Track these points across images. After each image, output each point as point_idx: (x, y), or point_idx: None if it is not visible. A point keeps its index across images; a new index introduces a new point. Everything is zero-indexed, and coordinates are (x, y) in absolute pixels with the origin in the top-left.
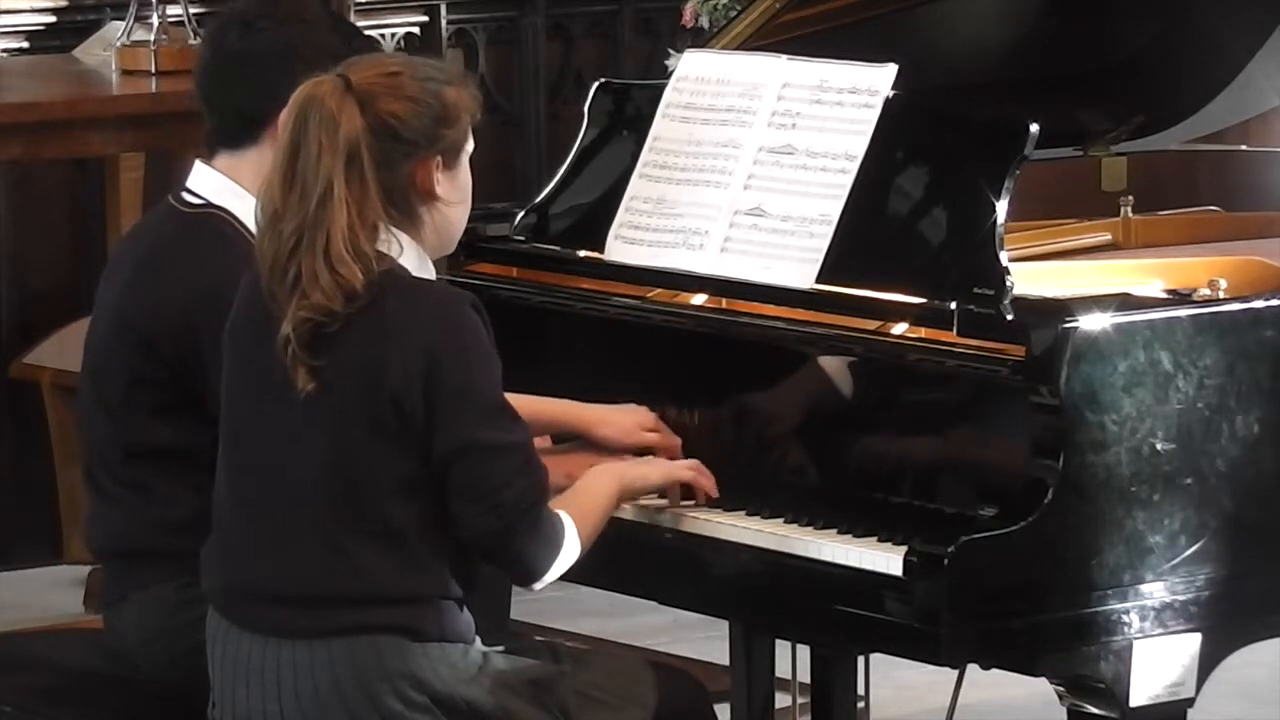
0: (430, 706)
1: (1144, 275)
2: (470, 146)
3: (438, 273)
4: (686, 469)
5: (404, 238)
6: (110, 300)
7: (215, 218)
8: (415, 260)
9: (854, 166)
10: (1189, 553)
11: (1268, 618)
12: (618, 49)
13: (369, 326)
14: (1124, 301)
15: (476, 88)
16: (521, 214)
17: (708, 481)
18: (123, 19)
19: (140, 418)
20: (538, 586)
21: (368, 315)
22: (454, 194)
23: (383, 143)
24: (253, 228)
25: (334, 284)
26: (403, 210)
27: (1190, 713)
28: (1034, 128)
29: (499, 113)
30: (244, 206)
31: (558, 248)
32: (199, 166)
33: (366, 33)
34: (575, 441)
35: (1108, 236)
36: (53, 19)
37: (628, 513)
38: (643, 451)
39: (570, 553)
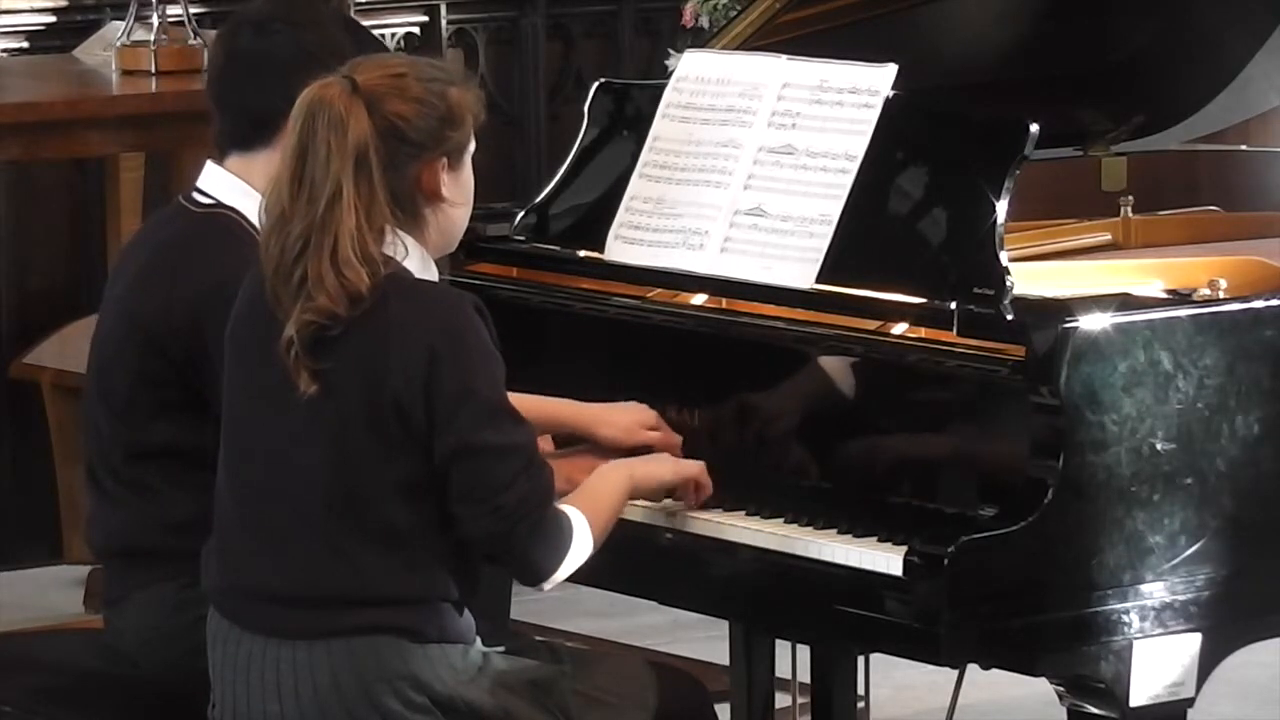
0: (430, 707)
1: (1144, 275)
2: (473, 146)
3: (439, 273)
4: (696, 467)
5: (409, 240)
6: (117, 298)
7: (225, 217)
8: (419, 262)
9: (854, 166)
10: (1189, 553)
11: (1268, 618)
12: (618, 49)
13: (371, 329)
14: (1124, 301)
15: (479, 88)
16: (521, 214)
17: (707, 484)
18: (123, 19)
19: (144, 417)
20: (547, 587)
21: (370, 318)
22: (458, 195)
23: (390, 145)
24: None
25: (339, 287)
26: (408, 212)
27: (1190, 713)
28: (1034, 128)
29: (499, 113)
30: (255, 207)
31: (558, 248)
32: (210, 167)
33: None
34: (576, 445)
35: (1108, 236)
36: (53, 19)
37: (628, 513)
38: (643, 450)
39: (581, 550)
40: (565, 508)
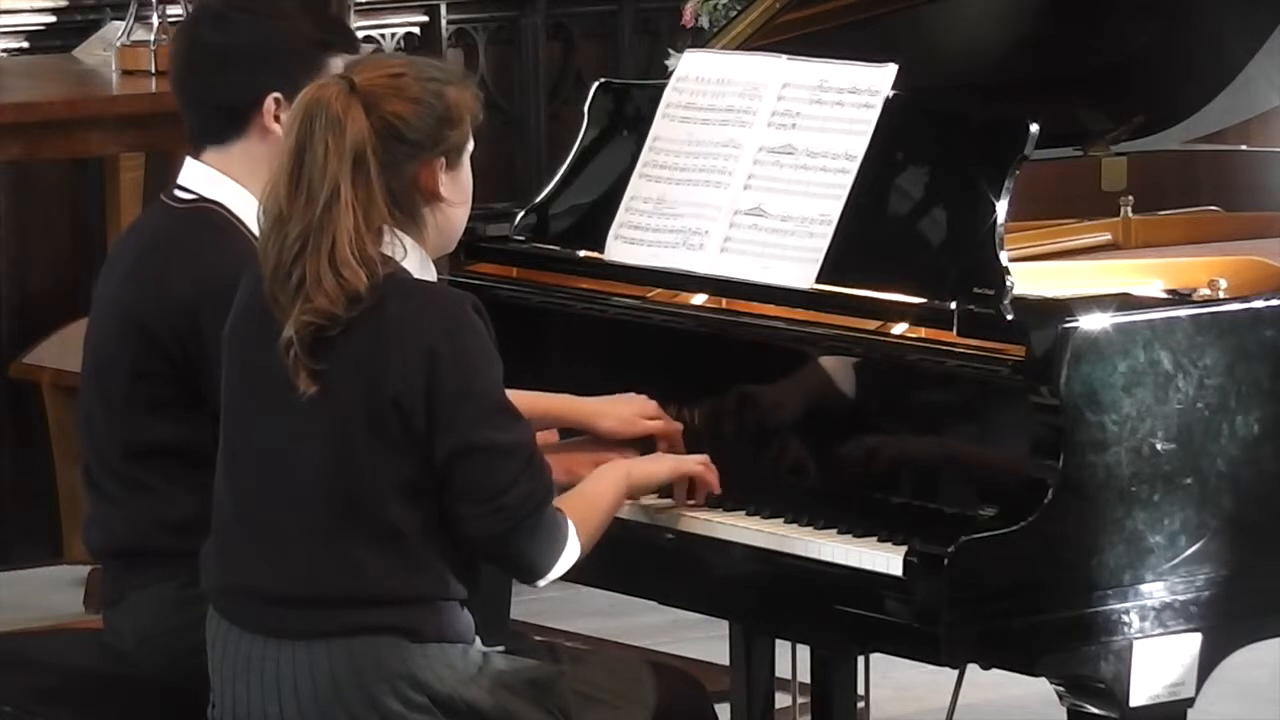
0: (430, 707)
1: (1144, 275)
2: (471, 146)
3: (438, 273)
4: (694, 463)
5: (407, 240)
6: (109, 298)
7: (209, 211)
8: (418, 262)
9: (854, 166)
10: (1189, 553)
11: (1268, 618)
12: (618, 49)
13: (370, 329)
14: (1124, 301)
15: (477, 87)
16: (521, 214)
17: (713, 476)
18: (123, 19)
19: (141, 415)
20: (541, 584)
21: (369, 318)
22: (457, 194)
23: (388, 145)
24: (247, 221)
25: (338, 288)
26: (407, 212)
27: (1190, 713)
28: (1034, 128)
29: (499, 113)
30: (237, 199)
31: (558, 248)
32: (189, 163)
33: (358, 31)
34: (578, 437)
35: (1108, 236)
36: (53, 19)
37: (628, 513)
38: (645, 441)
39: (572, 552)
40: (559, 509)
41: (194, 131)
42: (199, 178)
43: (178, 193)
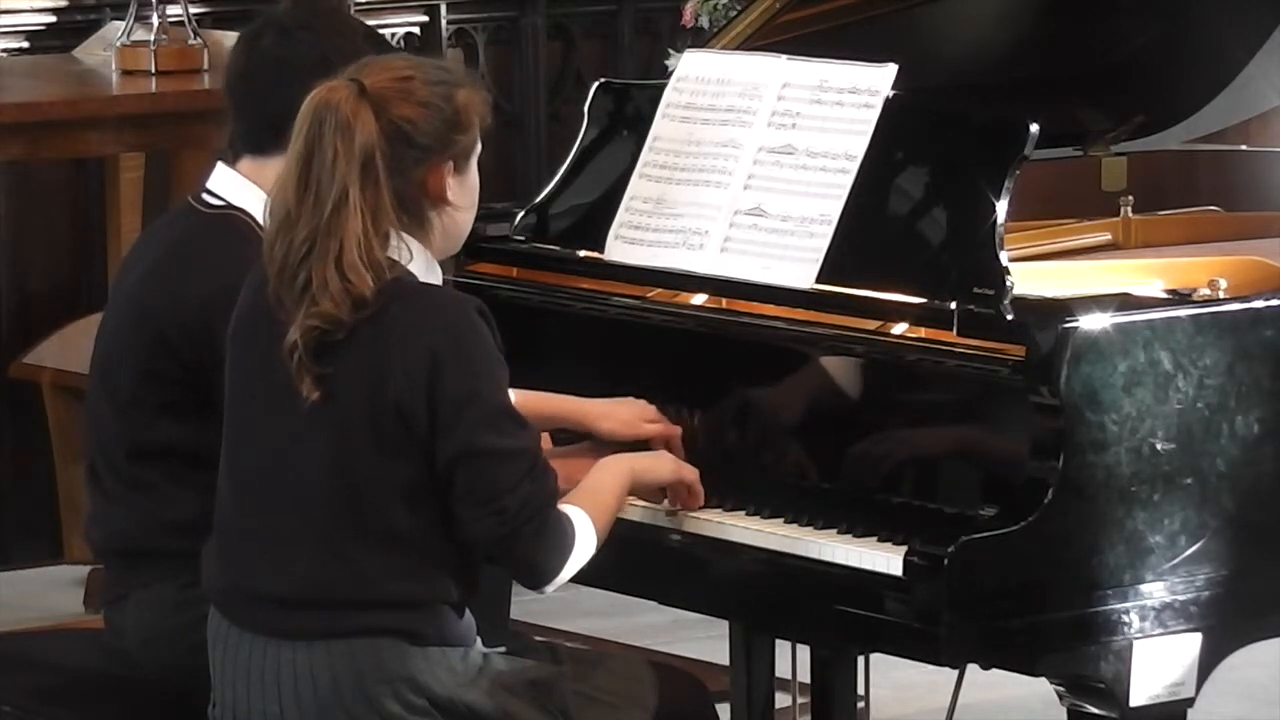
0: (430, 709)
1: (1144, 275)
2: (479, 149)
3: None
4: (692, 471)
5: (414, 243)
6: (125, 296)
7: (235, 219)
8: (423, 265)
9: (854, 166)
10: (1189, 553)
11: (1268, 618)
12: (618, 49)
13: (374, 333)
14: (1124, 301)
15: (486, 90)
16: (521, 214)
17: (700, 491)
18: (123, 19)
19: (148, 415)
20: (549, 589)
21: (373, 322)
22: (464, 198)
23: (397, 148)
24: None
25: (344, 292)
26: (413, 215)
27: (1190, 713)
28: (1034, 128)
29: (499, 113)
30: (263, 208)
31: (558, 248)
32: (220, 168)
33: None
34: (576, 445)
35: (1108, 236)
36: (53, 19)
37: (629, 513)
38: (644, 444)
39: (584, 550)
40: (567, 508)
41: (236, 138)
42: (229, 184)
43: (206, 197)
